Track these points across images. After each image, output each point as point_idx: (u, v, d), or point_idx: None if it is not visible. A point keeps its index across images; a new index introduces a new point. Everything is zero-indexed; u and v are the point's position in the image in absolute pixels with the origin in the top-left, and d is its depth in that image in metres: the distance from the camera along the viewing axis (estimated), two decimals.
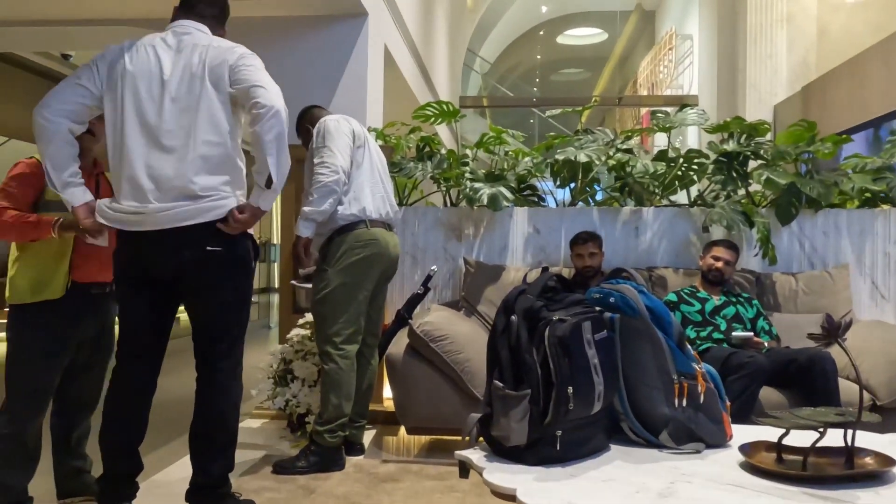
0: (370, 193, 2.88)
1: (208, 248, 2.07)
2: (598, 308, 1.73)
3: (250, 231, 2.21)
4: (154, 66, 2.07)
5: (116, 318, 2.42)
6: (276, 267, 12.70)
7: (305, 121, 3.05)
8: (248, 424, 3.48)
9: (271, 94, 2.05)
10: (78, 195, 2.08)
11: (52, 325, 2.21)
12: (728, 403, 1.77)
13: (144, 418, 2.18)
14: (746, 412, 2.64)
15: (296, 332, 3.35)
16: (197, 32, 2.16)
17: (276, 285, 3.72)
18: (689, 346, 1.78)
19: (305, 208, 2.71)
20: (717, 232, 3.61)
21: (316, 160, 2.75)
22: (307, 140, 2.96)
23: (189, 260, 2.07)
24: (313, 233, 2.76)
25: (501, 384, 1.61)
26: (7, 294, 2.21)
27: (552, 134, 4.09)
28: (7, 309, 2.26)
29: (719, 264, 3.26)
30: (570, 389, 1.54)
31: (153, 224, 2.04)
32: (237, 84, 2.08)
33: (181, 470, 2.68)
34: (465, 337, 3.00)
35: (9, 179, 2.22)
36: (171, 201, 2.03)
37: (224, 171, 2.10)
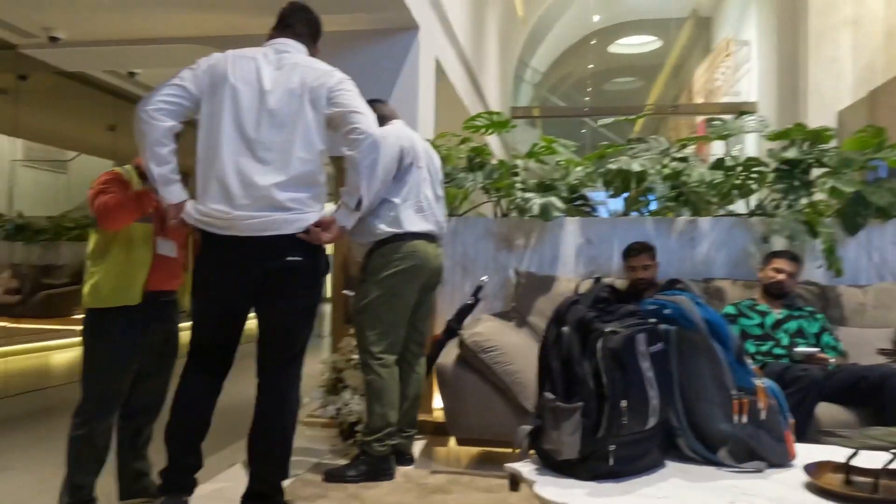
0: (414, 212, 2.88)
1: (288, 258, 2.14)
2: (652, 320, 1.69)
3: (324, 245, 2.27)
4: (255, 79, 2.15)
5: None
6: (328, 277, 12.88)
7: None
8: (300, 432, 3.51)
9: (369, 121, 2.14)
10: (176, 192, 2.16)
11: (127, 331, 2.29)
12: (792, 421, 1.70)
13: (208, 419, 2.27)
14: (803, 429, 2.52)
15: (347, 342, 3.39)
16: (296, 52, 2.25)
17: (329, 295, 3.78)
18: (748, 361, 1.72)
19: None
20: (779, 243, 3.49)
21: None
22: None
23: (270, 269, 2.14)
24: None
25: (552, 396, 1.59)
26: (86, 299, 2.30)
27: (604, 143, 4.04)
28: (83, 315, 2.35)
29: (781, 276, 3.14)
30: (624, 403, 1.50)
31: (240, 230, 2.12)
32: (336, 106, 2.16)
33: (235, 475, 2.73)
34: (515, 348, 2.97)
35: (101, 184, 2.29)
36: (257, 210, 2.11)
37: (310, 186, 2.18)
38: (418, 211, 2.91)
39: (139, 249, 2.30)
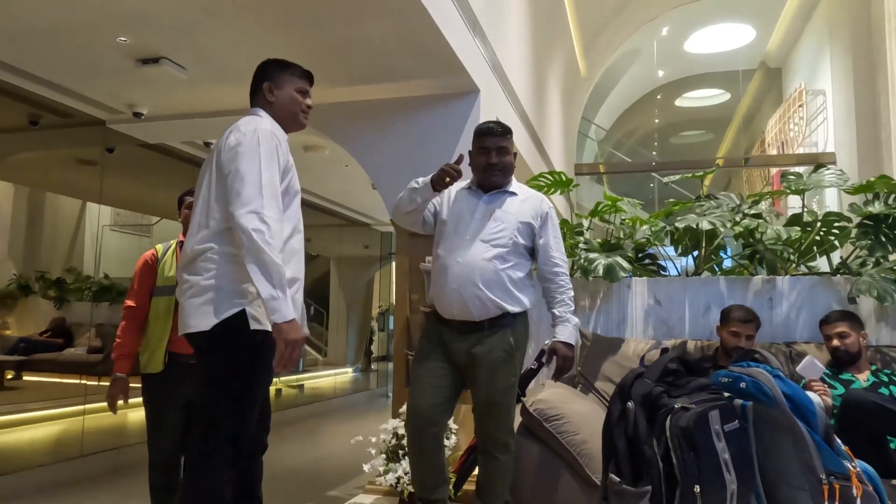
0: None
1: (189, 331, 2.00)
2: (727, 394, 1.57)
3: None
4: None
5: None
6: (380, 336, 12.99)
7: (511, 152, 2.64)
8: (360, 500, 3.44)
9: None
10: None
11: (157, 394, 2.63)
12: None
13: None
14: None
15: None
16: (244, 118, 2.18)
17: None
18: (838, 441, 1.56)
19: (575, 318, 2.57)
20: (866, 302, 3.25)
21: (557, 253, 2.63)
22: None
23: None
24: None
25: (618, 479, 1.48)
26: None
27: (671, 200, 3.92)
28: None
29: (836, 342, 2.90)
30: (697, 488, 1.38)
31: None
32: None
33: None
34: (581, 416, 2.83)
35: (133, 277, 2.69)
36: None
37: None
38: None
39: (160, 322, 2.61)
